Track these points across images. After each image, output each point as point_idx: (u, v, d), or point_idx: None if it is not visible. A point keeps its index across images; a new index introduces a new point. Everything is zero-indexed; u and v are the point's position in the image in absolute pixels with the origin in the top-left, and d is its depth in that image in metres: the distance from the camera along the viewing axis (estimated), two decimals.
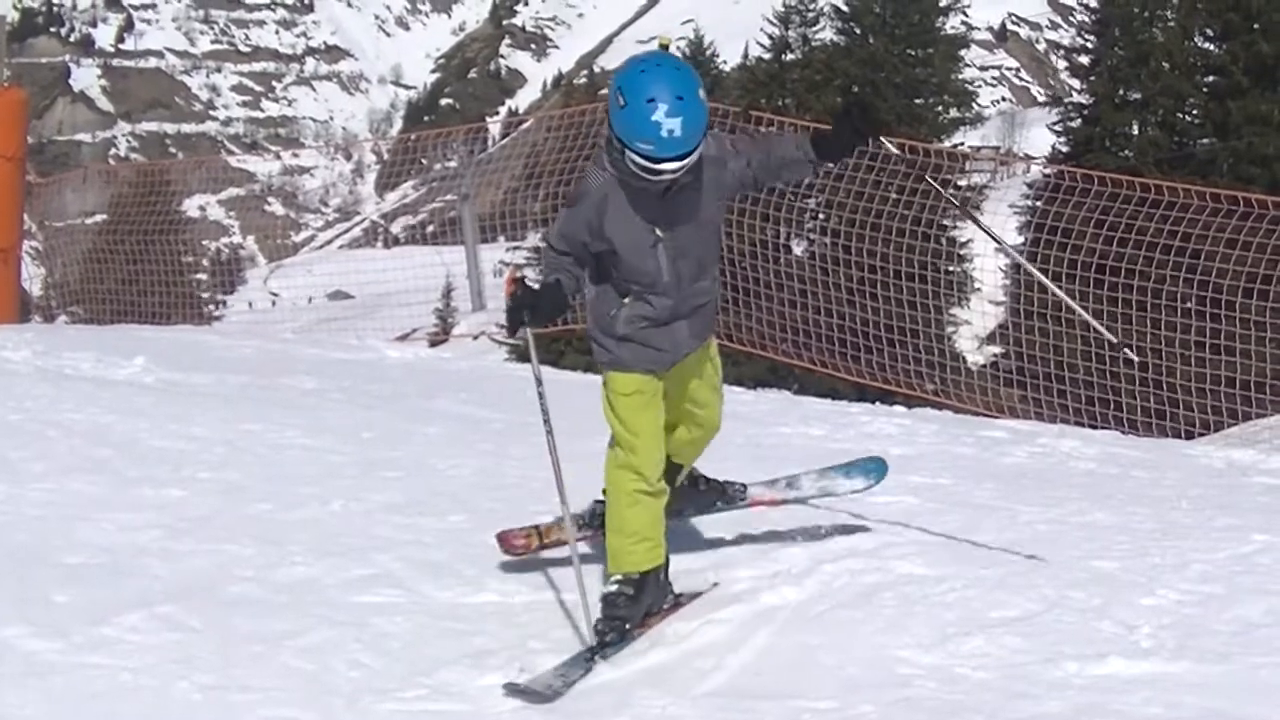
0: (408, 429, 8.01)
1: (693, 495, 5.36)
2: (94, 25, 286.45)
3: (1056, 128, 29.18)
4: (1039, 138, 56.26)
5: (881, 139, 4.90)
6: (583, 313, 4.86)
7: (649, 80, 4.36)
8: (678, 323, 4.72)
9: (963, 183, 21.51)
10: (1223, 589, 5.03)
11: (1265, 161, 23.96)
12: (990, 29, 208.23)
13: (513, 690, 4.25)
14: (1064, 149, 28.15)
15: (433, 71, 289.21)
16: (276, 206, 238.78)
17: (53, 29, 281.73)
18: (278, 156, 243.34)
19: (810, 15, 32.67)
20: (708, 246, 4.73)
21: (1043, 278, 6.26)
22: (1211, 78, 26.00)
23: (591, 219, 4.58)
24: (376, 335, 16.49)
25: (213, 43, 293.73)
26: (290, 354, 11.54)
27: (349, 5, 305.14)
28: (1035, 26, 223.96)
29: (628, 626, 4.70)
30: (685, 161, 4.41)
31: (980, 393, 14.03)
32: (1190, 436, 11.94)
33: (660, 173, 4.42)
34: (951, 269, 19.78)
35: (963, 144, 29.63)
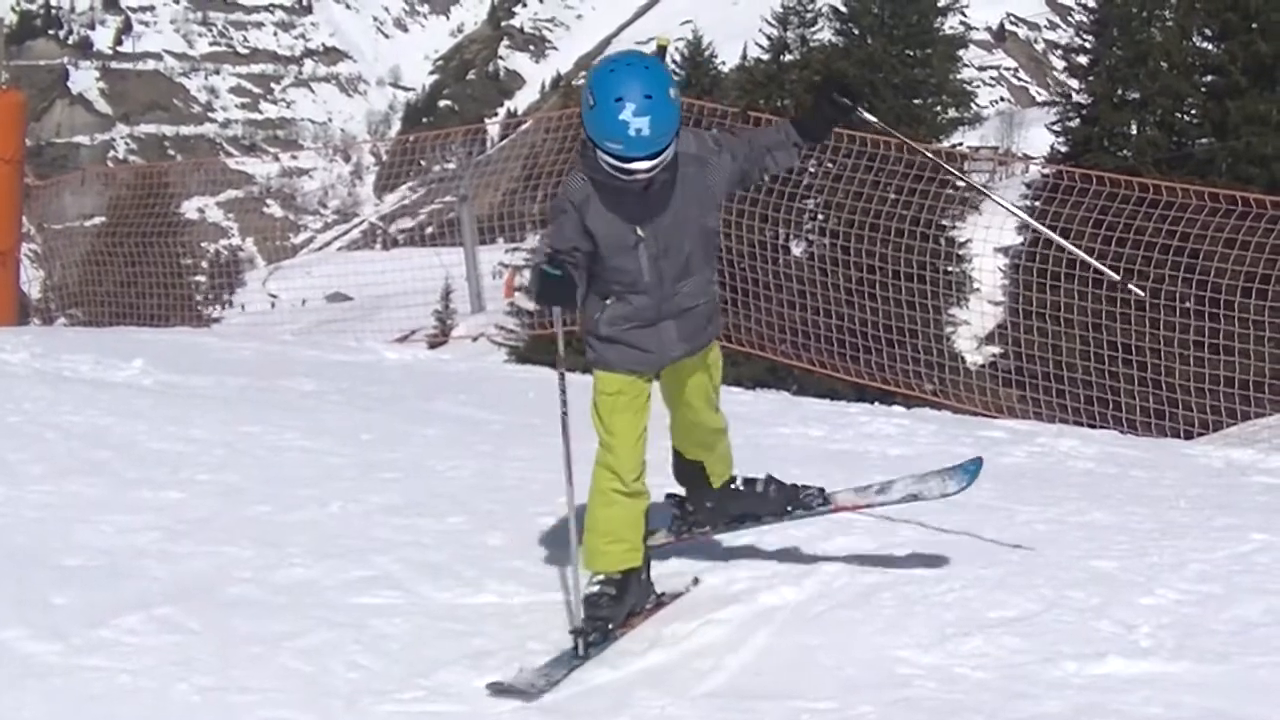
0: (406, 431, 8.01)
1: (755, 499, 5.17)
2: (92, 28, 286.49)
3: (1055, 127, 29.15)
4: (1037, 138, 56.33)
5: (860, 110, 4.82)
6: (592, 314, 4.84)
7: (617, 80, 4.34)
8: (665, 323, 4.69)
9: (961, 183, 21.47)
10: (1221, 588, 5.03)
11: (1264, 161, 23.95)
12: (988, 29, 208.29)
13: (497, 689, 4.27)
14: (1062, 149, 28.13)
15: (431, 73, 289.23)
16: (275, 208, 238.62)
17: (51, 31, 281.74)
18: (276, 158, 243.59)
19: (808, 16, 32.65)
20: (696, 246, 4.66)
21: (1048, 232, 6.22)
22: (1210, 77, 25.98)
23: (577, 221, 4.57)
24: (375, 337, 16.49)
25: (211, 45, 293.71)
26: (289, 356, 11.54)
27: (347, 7, 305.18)
28: (1033, 26, 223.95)
29: (610, 626, 4.72)
30: (657, 160, 4.38)
31: (979, 393, 14.02)
32: (1189, 436, 11.94)
33: (633, 172, 4.39)
34: (950, 269, 19.77)
35: (961, 144, 29.58)
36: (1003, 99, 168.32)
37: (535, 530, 5.79)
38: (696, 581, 5.21)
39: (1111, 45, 27.21)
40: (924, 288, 15.52)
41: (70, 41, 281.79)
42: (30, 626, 4.54)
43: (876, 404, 10.69)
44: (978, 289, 20.93)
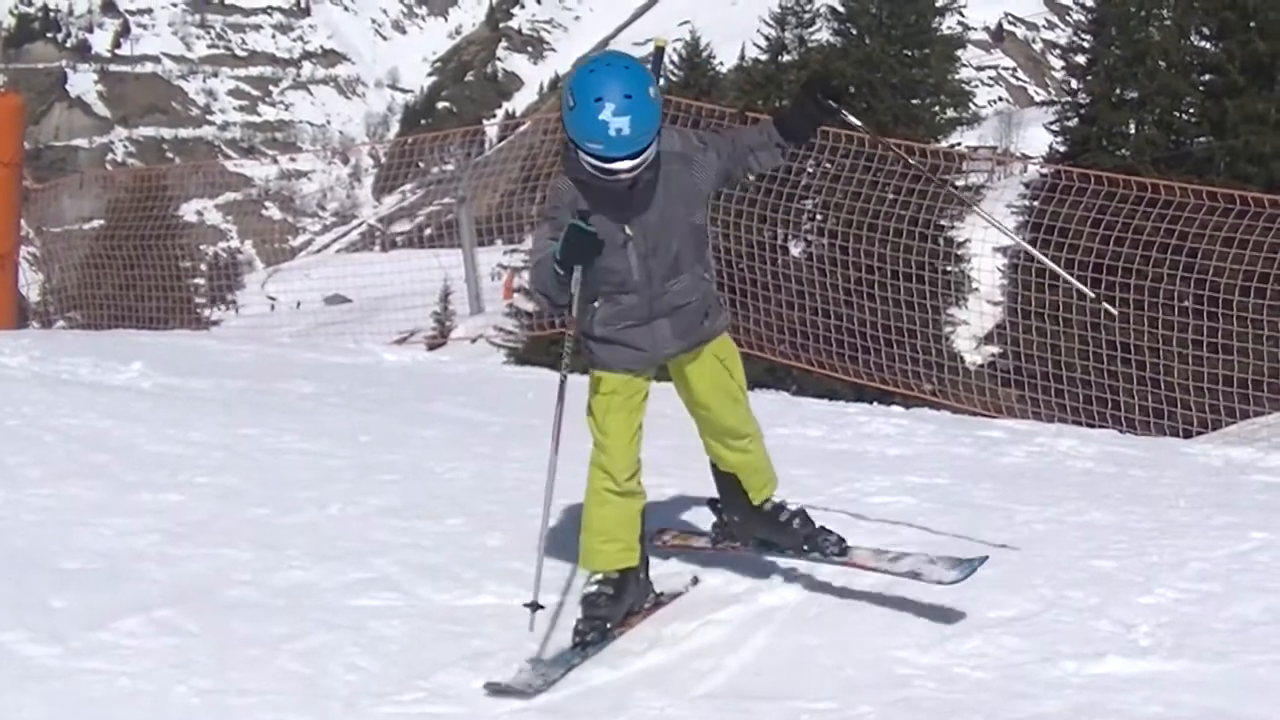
0: (405, 432, 8.01)
1: (776, 528, 5.03)
2: (90, 31, 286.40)
3: (1053, 127, 29.18)
4: (1036, 137, 56.29)
5: (843, 112, 4.80)
6: (582, 315, 4.84)
7: (597, 80, 4.33)
8: (658, 321, 4.68)
9: (960, 183, 21.47)
10: (1221, 587, 5.03)
11: (1262, 160, 23.97)
12: (987, 29, 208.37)
13: (494, 689, 4.27)
14: (1061, 148, 28.15)
15: (429, 75, 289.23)
16: (274, 211, 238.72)
17: (49, 34, 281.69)
18: (275, 161, 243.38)
19: (807, 16, 32.66)
20: (684, 244, 4.64)
21: (1028, 247, 6.23)
22: (1208, 76, 26.01)
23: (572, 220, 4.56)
24: (374, 339, 16.48)
25: (209, 47, 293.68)
26: (288, 358, 11.54)
27: (345, 9, 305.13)
28: (1032, 26, 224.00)
29: (609, 626, 4.73)
30: (639, 160, 4.37)
31: (978, 392, 14.01)
32: (1188, 435, 11.93)
33: (615, 172, 4.38)
34: (949, 269, 19.76)
35: (960, 144, 29.57)
36: (1001, 99, 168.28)
37: (534, 532, 5.78)
38: (696, 581, 5.21)
39: (1110, 45, 27.23)
40: (923, 288, 15.51)
41: (68, 44, 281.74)
42: (29, 629, 4.54)
43: (875, 404, 10.69)
44: (976, 289, 20.92)
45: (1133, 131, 26.78)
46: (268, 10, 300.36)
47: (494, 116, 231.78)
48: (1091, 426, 10.61)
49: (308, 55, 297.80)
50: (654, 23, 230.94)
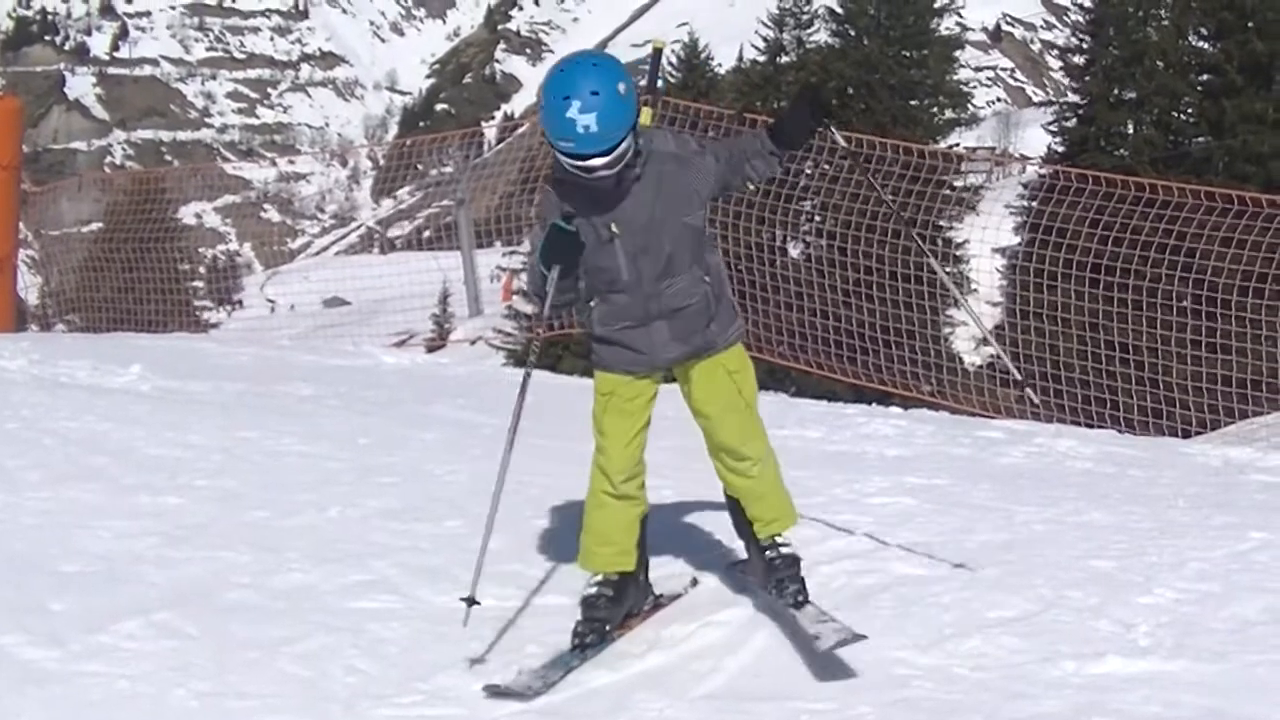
0: (404, 435, 8.01)
1: (759, 567, 4.86)
2: (88, 33, 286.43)
3: (1052, 127, 29.20)
4: (1034, 138, 56.26)
5: (830, 128, 4.79)
6: (581, 316, 4.84)
7: (565, 78, 4.30)
8: (656, 323, 4.63)
9: (958, 183, 21.47)
10: (1220, 587, 5.04)
11: (1260, 160, 23.98)
12: (985, 30, 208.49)
13: (493, 692, 4.27)
14: (1059, 149, 28.17)
15: (428, 77, 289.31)
16: (272, 213, 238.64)
17: (47, 37, 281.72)
18: (273, 163, 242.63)
19: (805, 18, 32.69)
20: (678, 245, 4.57)
21: (955, 290, 6.21)
22: (1206, 76, 26.02)
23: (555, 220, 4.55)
24: (373, 341, 16.50)
25: (207, 50, 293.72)
26: (287, 361, 11.54)
27: (344, 11, 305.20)
28: (1030, 27, 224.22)
29: (608, 628, 4.72)
30: (613, 156, 4.33)
31: (977, 393, 14.01)
32: (1187, 435, 11.94)
33: (592, 170, 4.35)
34: (948, 270, 19.77)
35: (958, 145, 29.60)
36: (999, 99, 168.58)
37: (532, 534, 5.79)
38: (695, 583, 5.21)
39: (1108, 45, 27.25)
40: (921, 289, 15.51)
41: (67, 47, 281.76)
42: (28, 633, 4.53)
43: (874, 405, 10.70)
44: (975, 289, 20.94)
45: (1131, 132, 26.80)
46: (266, 13, 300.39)
47: (492, 118, 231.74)
48: (1090, 427, 10.62)
49: (306, 58, 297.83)
50: (652, 24, 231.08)
